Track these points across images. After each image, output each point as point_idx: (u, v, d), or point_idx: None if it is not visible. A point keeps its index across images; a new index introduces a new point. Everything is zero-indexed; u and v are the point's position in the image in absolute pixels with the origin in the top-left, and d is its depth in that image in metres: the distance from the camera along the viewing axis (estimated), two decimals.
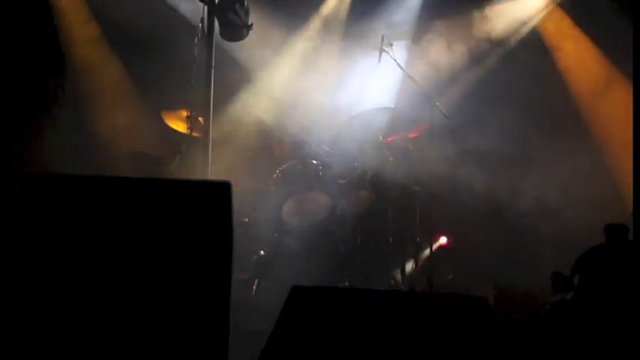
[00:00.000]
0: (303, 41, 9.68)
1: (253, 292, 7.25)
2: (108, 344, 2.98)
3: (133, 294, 3.07)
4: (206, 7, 6.23)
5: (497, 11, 9.89)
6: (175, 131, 7.63)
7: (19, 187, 2.85)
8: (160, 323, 3.08)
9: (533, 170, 9.41)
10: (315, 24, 9.87)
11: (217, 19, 6.27)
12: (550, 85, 9.77)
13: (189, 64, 6.94)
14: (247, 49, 8.82)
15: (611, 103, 9.61)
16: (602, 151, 9.57)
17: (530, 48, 9.92)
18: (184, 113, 7.39)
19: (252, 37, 6.69)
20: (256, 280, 7.30)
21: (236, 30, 6.45)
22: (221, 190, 3.27)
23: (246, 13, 6.42)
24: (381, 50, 7.66)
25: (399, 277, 7.76)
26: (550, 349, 4.76)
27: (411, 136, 8.21)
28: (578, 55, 9.93)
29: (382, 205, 7.97)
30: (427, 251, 7.69)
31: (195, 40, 6.73)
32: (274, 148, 8.72)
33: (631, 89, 8.97)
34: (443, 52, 9.54)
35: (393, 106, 8.60)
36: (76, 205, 3.03)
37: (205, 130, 5.86)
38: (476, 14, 9.75)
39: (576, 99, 9.84)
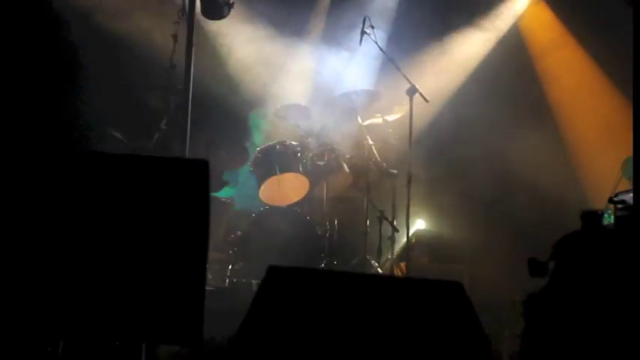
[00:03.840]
0: (285, 23, 9.64)
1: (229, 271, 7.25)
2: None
3: (110, 267, 3.07)
4: None
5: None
6: (154, 109, 7.59)
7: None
8: (136, 298, 3.08)
9: (511, 154, 9.45)
10: (297, 6, 9.84)
11: None
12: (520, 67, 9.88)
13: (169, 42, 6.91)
14: (228, 27, 8.78)
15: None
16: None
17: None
18: None
19: (233, 15, 6.65)
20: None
21: (217, 8, 6.40)
22: (198, 169, 3.26)
23: None
24: (363, 32, 7.63)
25: (375, 260, 7.78)
26: (524, 334, 4.79)
27: (390, 118, 8.21)
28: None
29: (360, 188, 7.98)
30: (404, 235, 7.70)
31: (176, 17, 6.68)
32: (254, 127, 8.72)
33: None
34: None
35: (372, 88, 8.59)
36: (62, 177, 3.03)
37: (184, 109, 5.82)
38: None
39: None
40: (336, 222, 7.77)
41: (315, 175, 7.77)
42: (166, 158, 3.36)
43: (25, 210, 3.02)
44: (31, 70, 3.34)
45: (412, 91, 7.35)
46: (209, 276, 6.84)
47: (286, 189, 7.70)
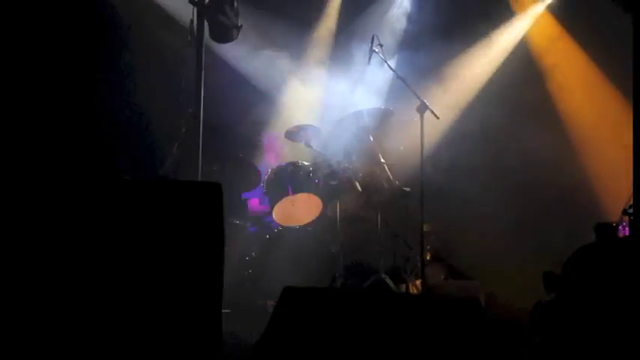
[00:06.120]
0: (296, 41, 9.70)
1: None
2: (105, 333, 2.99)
3: (128, 291, 3.07)
4: (195, 9, 6.22)
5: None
6: (166, 133, 7.62)
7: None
8: (154, 320, 3.08)
9: (525, 169, 9.45)
10: (306, 24, 9.90)
11: (207, 20, 6.26)
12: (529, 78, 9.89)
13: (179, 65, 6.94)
14: (237, 49, 8.82)
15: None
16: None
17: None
18: None
19: (242, 37, 6.68)
20: None
21: (226, 31, 6.43)
22: (212, 192, 3.27)
23: (236, 14, 6.40)
24: (371, 51, 7.64)
25: (390, 278, 7.76)
26: (540, 348, 4.77)
27: (401, 136, 8.22)
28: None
29: (373, 207, 7.97)
30: (418, 252, 7.68)
31: (185, 41, 6.71)
32: (266, 149, 8.75)
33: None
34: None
35: (383, 106, 8.60)
36: (73, 203, 3.04)
37: (196, 132, 5.84)
38: None
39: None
40: (350, 241, 7.76)
41: (328, 195, 7.76)
42: (180, 182, 3.37)
43: (38, 233, 3.03)
44: (43, 87, 3.34)
45: (423, 108, 7.35)
46: (224, 298, 6.83)
47: (300, 209, 7.70)
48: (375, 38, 7.66)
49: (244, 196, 8.29)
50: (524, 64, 9.97)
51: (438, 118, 7.46)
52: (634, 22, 5.00)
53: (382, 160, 7.94)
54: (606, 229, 4.97)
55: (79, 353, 3.03)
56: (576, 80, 9.93)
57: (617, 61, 9.17)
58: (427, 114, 7.35)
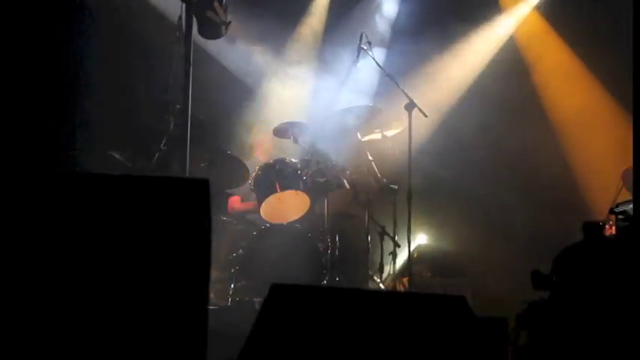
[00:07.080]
0: (283, 38, 9.69)
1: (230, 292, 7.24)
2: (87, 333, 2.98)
3: (110, 289, 3.06)
4: (184, 5, 6.20)
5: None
6: (153, 129, 7.60)
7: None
8: (138, 319, 3.06)
9: (512, 168, 9.48)
10: (294, 21, 9.90)
11: (195, 16, 6.23)
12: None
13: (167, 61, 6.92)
14: (225, 45, 8.80)
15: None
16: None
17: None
18: None
19: (231, 33, 6.67)
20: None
21: (214, 28, 6.41)
22: (199, 188, 3.25)
23: (225, 11, 6.39)
24: (360, 48, 7.65)
25: (377, 275, 7.77)
26: (527, 346, 4.78)
27: (389, 134, 8.22)
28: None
29: (361, 204, 7.97)
30: (406, 250, 7.70)
31: (174, 37, 6.69)
32: (254, 146, 8.74)
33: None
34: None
35: (371, 104, 8.60)
36: (56, 201, 3.01)
37: (183, 128, 5.82)
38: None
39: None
40: (337, 238, 7.76)
41: (315, 192, 7.76)
42: (166, 178, 3.34)
43: (12, 238, 2.99)
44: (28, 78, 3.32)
45: (411, 106, 7.36)
46: (211, 295, 6.83)
47: (287, 206, 7.68)
48: (364, 36, 7.67)
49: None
50: (510, 61, 10.00)
51: (426, 116, 7.47)
52: (634, 21, 5.01)
53: (370, 158, 7.95)
54: (594, 228, 4.98)
55: (60, 353, 3.02)
56: (561, 76, 9.97)
57: (602, 57, 9.22)
58: (416, 111, 7.37)
